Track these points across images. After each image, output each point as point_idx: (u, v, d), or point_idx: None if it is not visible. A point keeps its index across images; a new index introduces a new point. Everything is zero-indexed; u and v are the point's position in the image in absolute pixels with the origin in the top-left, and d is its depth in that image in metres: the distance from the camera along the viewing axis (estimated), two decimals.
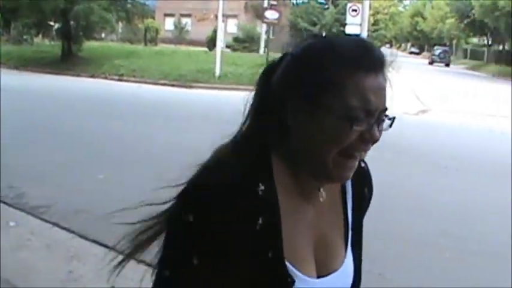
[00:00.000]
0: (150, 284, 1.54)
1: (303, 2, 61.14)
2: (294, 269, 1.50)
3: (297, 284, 1.50)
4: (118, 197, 8.20)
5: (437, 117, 20.00)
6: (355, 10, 31.20)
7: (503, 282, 6.08)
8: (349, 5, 31.19)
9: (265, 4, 42.60)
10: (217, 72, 26.63)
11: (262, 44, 43.70)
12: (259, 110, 1.57)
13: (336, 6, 52.84)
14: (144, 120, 15.31)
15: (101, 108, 17.39)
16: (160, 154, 11.29)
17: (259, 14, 39.97)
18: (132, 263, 1.60)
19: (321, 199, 1.59)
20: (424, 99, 24.59)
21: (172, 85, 25.91)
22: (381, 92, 1.48)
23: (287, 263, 1.49)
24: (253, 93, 1.60)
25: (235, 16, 58.59)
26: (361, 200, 1.72)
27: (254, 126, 1.56)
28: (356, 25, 31.46)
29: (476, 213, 8.68)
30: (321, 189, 1.59)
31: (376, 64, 1.49)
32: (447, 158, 12.49)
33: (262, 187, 1.46)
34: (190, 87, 25.56)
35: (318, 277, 1.57)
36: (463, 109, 22.28)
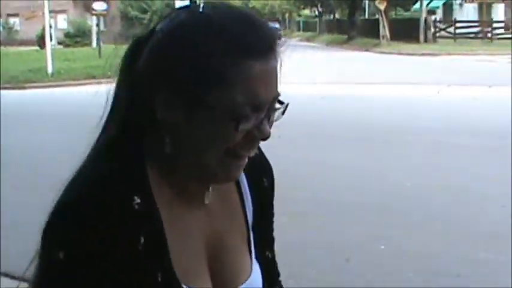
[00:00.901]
0: None
1: None
2: None
3: None
4: None
5: None
6: None
7: (333, 236, 6.36)
8: None
9: None
10: (50, 69, 26.01)
11: (95, 37, 42.99)
12: (124, 103, 1.29)
13: None
14: None
15: None
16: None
17: (88, 7, 39.23)
18: None
19: (206, 201, 1.35)
20: None
21: (5, 88, 25.06)
22: (272, 80, 1.24)
23: (183, 286, 1.28)
24: (116, 81, 1.32)
25: (64, 11, 57.34)
26: (261, 192, 1.48)
27: (120, 125, 1.29)
28: None
29: (306, 178, 8.93)
30: (210, 190, 1.35)
31: (266, 46, 1.23)
32: (281, 128, 12.76)
33: (137, 200, 1.23)
34: (24, 88, 24.81)
35: None
36: (296, 79, 22.81)
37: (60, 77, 25.40)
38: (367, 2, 60.91)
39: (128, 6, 54.53)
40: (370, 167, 9.44)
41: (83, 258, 1.20)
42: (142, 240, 1.23)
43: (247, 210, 1.45)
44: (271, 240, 1.53)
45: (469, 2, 54.07)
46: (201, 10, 1.25)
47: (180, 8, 1.30)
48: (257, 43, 1.22)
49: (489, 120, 13.23)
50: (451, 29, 46.78)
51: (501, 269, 5.58)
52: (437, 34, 45.50)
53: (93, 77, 22.21)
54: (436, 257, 5.88)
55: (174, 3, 32.43)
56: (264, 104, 1.23)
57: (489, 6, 53.54)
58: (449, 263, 5.71)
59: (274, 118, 1.28)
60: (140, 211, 1.23)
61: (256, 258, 1.46)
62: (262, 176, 1.49)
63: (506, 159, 9.71)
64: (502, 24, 49.29)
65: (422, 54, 35.10)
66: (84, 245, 1.20)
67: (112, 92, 1.33)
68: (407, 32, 43.87)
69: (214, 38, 1.20)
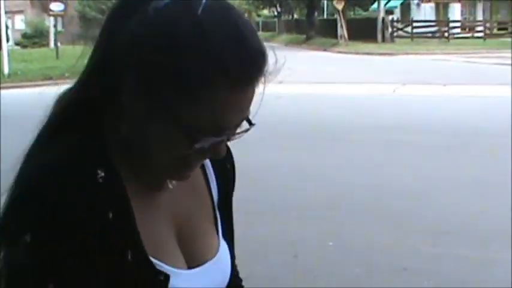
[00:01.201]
0: None
1: None
2: (162, 264, 1.25)
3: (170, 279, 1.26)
4: None
5: None
6: None
7: (282, 233, 6.45)
8: None
9: None
10: (6, 70, 25.80)
11: (52, 38, 42.70)
12: (93, 73, 1.23)
13: None
14: None
15: None
16: None
17: (46, 7, 38.94)
18: None
19: (170, 186, 1.32)
20: None
21: None
22: (245, 106, 1.18)
23: (152, 259, 1.24)
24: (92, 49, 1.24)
25: (21, 11, 56.77)
26: (226, 176, 1.48)
27: (82, 98, 1.23)
28: None
29: (257, 177, 8.96)
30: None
31: (252, 75, 1.15)
32: None
33: (101, 174, 1.18)
34: None
35: (191, 268, 1.33)
36: None
37: (17, 78, 25.19)
38: (325, 1, 61.27)
39: (86, 7, 54.16)
40: (323, 166, 9.53)
41: (51, 239, 1.14)
42: (110, 215, 1.18)
43: (212, 191, 1.44)
44: (231, 220, 1.51)
45: (426, 2, 54.64)
46: (200, 11, 1.14)
47: None
48: (243, 71, 1.14)
49: (442, 119, 13.45)
50: (409, 29, 47.29)
51: (447, 262, 5.71)
52: (395, 34, 45.97)
53: (51, 78, 22.10)
54: (383, 252, 5.98)
55: None
56: (228, 128, 1.18)
57: (446, 6, 54.18)
58: (396, 258, 5.82)
59: (235, 137, 1.22)
60: (105, 184, 1.18)
61: (223, 237, 1.45)
62: (224, 160, 1.45)
63: (457, 156, 9.91)
64: (459, 24, 49.96)
65: (380, 54, 35.42)
66: (51, 224, 1.14)
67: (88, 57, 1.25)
68: (365, 31, 44.26)
69: (202, 53, 1.12)
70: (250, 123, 1.22)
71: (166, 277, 1.25)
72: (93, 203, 1.16)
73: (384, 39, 43.54)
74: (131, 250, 1.21)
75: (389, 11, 51.21)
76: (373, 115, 14.02)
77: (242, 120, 1.19)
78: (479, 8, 54.34)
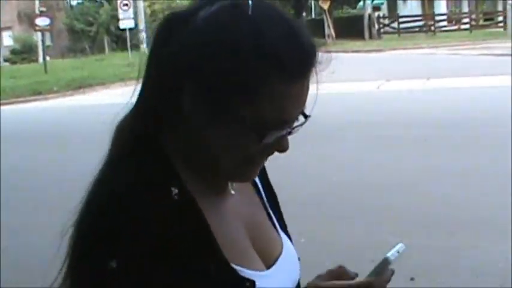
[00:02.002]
0: None
1: (78, 3, 60.24)
2: (243, 269, 1.26)
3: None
4: None
5: None
6: (127, 4, 31.36)
7: None
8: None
9: (37, 11, 41.79)
10: None
11: (41, 53, 42.84)
12: (151, 92, 1.25)
13: (110, 2, 52.56)
14: None
15: None
16: None
17: (33, 23, 39.05)
18: None
19: (232, 192, 1.35)
20: None
21: None
22: (304, 98, 1.22)
23: (235, 267, 1.25)
24: (146, 66, 1.27)
25: (9, 28, 56.76)
26: (263, 174, 1.51)
27: (146, 117, 1.26)
28: (129, 19, 31.71)
29: None
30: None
31: (307, 68, 1.20)
32: None
33: (175, 191, 1.21)
34: None
35: (268, 267, 1.35)
36: None
37: (6, 95, 25.29)
38: (312, 1, 61.33)
39: (73, 20, 54.12)
40: (305, 163, 9.65)
41: (137, 262, 1.15)
42: (189, 231, 1.20)
43: (260, 188, 1.47)
44: (281, 212, 1.52)
45: None
46: (250, 12, 1.18)
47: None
48: (299, 65, 1.18)
49: (423, 112, 13.59)
50: (395, 25, 47.38)
51: (416, 252, 5.85)
52: (382, 30, 46.11)
53: (40, 93, 22.16)
54: (354, 246, 6.13)
55: (118, 14, 32.41)
56: (291, 121, 1.23)
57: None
58: (365, 250, 5.93)
59: (294, 131, 1.26)
60: (180, 201, 1.20)
61: (283, 230, 1.48)
62: None
63: (434, 149, 10.04)
64: (445, 17, 50.06)
65: (367, 51, 35.48)
66: (135, 248, 1.15)
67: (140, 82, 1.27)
68: (352, 29, 44.39)
69: (258, 53, 1.15)
70: (306, 117, 1.25)
71: (252, 283, 1.25)
72: (172, 221, 1.17)
73: (371, 36, 43.72)
74: (213, 262, 1.21)
75: (376, 8, 51.34)
76: (357, 112, 14.18)
77: (300, 113, 1.23)
78: (465, 0, 54.48)
